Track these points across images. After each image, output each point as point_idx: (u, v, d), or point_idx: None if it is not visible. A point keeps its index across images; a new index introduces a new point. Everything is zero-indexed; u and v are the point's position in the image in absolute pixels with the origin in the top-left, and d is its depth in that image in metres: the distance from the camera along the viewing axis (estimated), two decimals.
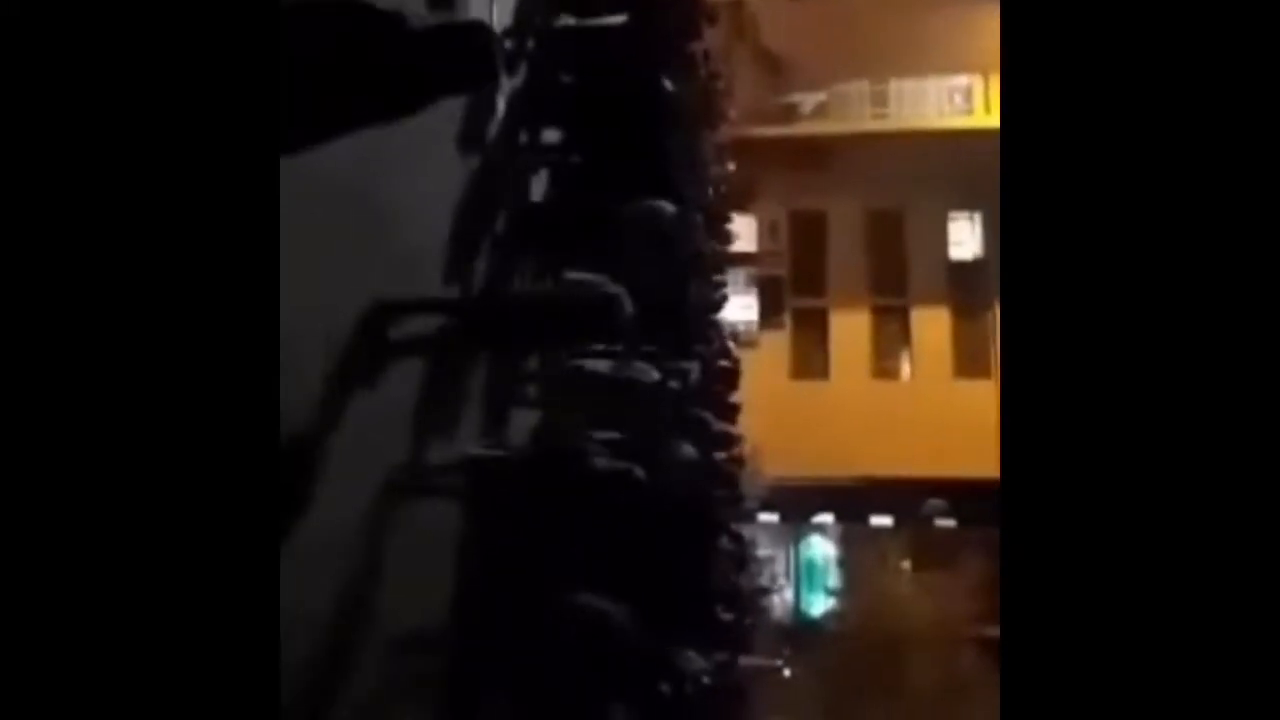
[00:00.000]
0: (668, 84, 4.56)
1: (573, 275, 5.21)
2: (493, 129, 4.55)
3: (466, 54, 2.71)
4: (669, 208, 4.09)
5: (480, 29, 2.82)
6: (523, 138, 4.87)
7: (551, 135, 4.98)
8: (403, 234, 3.63)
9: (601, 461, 3.76)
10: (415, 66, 2.57)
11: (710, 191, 8.10)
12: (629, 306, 3.78)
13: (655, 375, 4.79)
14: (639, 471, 3.65)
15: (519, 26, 4.75)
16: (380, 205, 3.43)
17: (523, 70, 4.83)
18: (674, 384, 5.19)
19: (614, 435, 4.56)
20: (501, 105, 4.57)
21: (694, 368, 5.81)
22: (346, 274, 3.22)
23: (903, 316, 19.61)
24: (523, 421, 4.72)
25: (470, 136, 4.35)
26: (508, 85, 4.64)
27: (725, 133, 9.85)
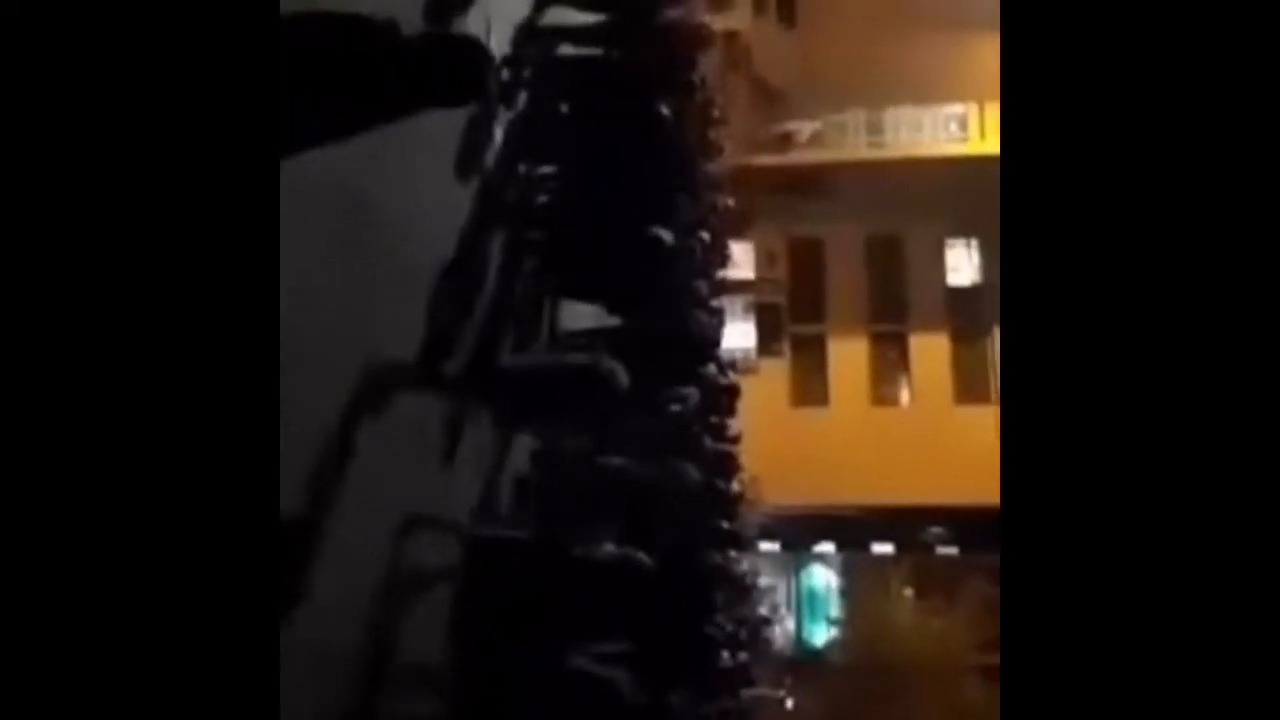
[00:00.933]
0: (664, 112, 4.59)
1: (571, 301, 5.24)
2: (490, 158, 4.56)
3: (456, 66, 2.73)
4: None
5: (472, 44, 2.84)
6: (520, 167, 4.89)
7: (548, 163, 5.00)
8: (402, 249, 3.63)
9: (606, 548, 3.76)
10: (404, 75, 2.58)
11: (707, 219, 8.11)
12: (624, 379, 3.82)
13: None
14: (640, 556, 3.66)
15: (516, 55, 4.78)
16: (379, 219, 3.43)
17: (520, 99, 4.85)
18: (675, 409, 5.19)
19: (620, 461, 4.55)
20: (499, 135, 4.60)
21: (693, 394, 5.80)
22: (345, 286, 3.21)
23: (901, 343, 19.65)
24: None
25: (469, 164, 4.36)
26: (504, 115, 4.67)
27: (722, 161, 9.90)
